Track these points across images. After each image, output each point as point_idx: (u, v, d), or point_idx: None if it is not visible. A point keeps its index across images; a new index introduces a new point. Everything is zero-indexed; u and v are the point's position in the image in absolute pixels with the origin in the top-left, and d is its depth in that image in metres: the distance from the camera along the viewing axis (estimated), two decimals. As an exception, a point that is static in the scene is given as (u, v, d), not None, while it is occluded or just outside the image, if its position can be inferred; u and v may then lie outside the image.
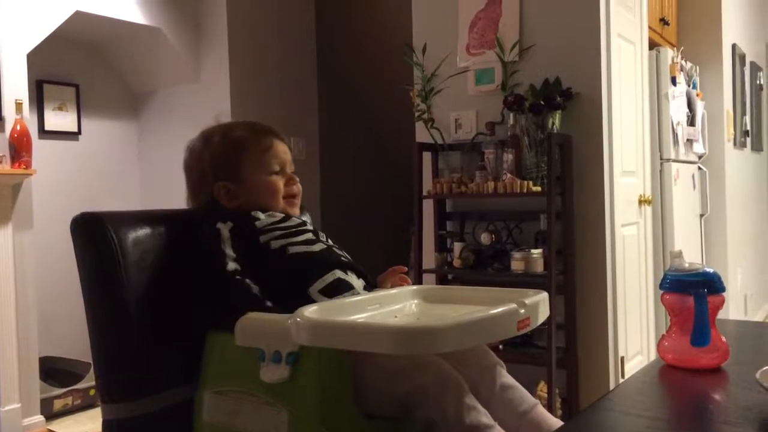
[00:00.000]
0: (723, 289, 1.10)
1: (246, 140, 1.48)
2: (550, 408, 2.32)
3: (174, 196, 4.25)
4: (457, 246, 2.66)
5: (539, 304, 1.22)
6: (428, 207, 2.82)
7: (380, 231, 4.38)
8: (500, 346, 2.49)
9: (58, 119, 3.71)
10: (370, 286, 1.46)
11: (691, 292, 1.07)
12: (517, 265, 2.47)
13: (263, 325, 1.23)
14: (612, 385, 2.55)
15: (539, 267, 2.45)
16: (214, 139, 1.49)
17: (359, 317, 1.20)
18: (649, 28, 3.21)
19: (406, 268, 1.54)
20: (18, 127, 2.95)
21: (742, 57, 4.39)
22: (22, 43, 3.05)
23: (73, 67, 3.80)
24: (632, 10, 2.92)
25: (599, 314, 2.59)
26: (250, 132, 1.49)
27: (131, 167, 4.12)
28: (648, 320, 3.01)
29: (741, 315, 4.14)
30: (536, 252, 2.46)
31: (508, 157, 2.53)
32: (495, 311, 1.11)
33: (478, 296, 1.34)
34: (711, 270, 1.11)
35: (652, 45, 3.29)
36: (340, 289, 1.36)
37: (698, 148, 3.64)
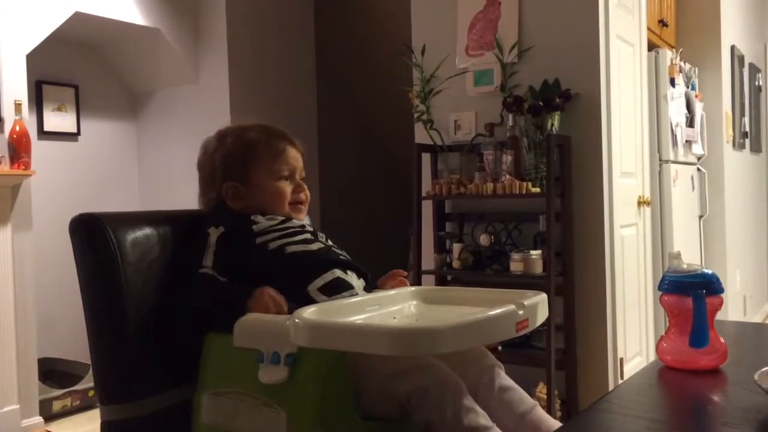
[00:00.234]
0: (721, 290, 1.10)
1: (259, 143, 1.48)
2: (549, 409, 2.32)
3: (173, 196, 4.26)
4: (456, 247, 2.66)
5: (538, 306, 1.22)
6: (427, 208, 2.82)
7: (379, 232, 4.38)
8: (499, 348, 2.48)
9: (58, 120, 3.71)
10: (370, 286, 1.46)
11: (689, 293, 1.07)
12: (516, 266, 2.48)
13: (262, 327, 1.22)
14: (611, 387, 2.55)
15: (538, 268, 2.45)
16: (227, 139, 1.49)
17: (358, 318, 1.20)
18: (648, 29, 3.21)
19: (406, 272, 1.54)
20: (17, 128, 2.94)
21: (741, 58, 4.39)
22: (22, 44, 3.04)
23: (73, 67, 3.80)
24: (631, 11, 2.92)
25: (598, 315, 2.59)
26: (264, 135, 1.50)
27: (130, 168, 4.12)
28: (647, 321, 3.01)
29: (740, 316, 4.14)
30: (535, 253, 2.46)
31: (507, 158, 2.53)
32: (494, 312, 1.11)
33: (477, 297, 1.34)
34: (709, 271, 1.12)
35: (651, 46, 3.29)
36: (339, 288, 1.36)
37: (697, 149, 3.65)
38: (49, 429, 3.09)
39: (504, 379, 1.35)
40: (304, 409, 1.16)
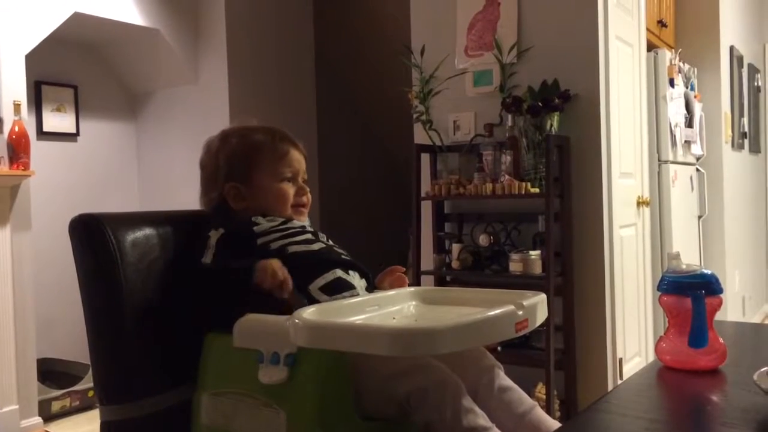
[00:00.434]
0: (720, 291, 1.10)
1: (263, 144, 1.48)
2: (548, 410, 2.32)
3: (173, 197, 4.26)
4: (456, 247, 2.66)
5: (537, 306, 1.22)
6: (427, 208, 2.82)
7: (379, 232, 4.38)
8: (498, 348, 2.48)
9: (57, 120, 3.71)
10: (371, 286, 1.46)
11: (688, 294, 1.07)
12: (515, 266, 2.48)
13: (261, 327, 1.23)
14: (610, 387, 2.55)
15: (537, 268, 2.45)
16: (231, 140, 1.50)
17: (357, 319, 1.20)
18: (647, 30, 3.21)
19: (404, 268, 1.54)
20: (16, 129, 2.94)
21: (740, 59, 4.39)
22: (21, 45, 3.04)
23: (72, 68, 3.80)
24: (630, 12, 2.93)
25: (597, 316, 2.59)
26: (268, 137, 1.50)
27: (130, 168, 4.12)
28: (646, 322, 3.01)
29: (739, 317, 4.14)
30: (534, 253, 2.46)
31: (507, 158, 2.53)
32: (493, 313, 1.11)
33: (477, 298, 1.34)
34: (708, 271, 1.12)
35: (650, 47, 3.29)
36: (340, 288, 1.36)
37: (696, 149, 3.65)
38: (48, 429, 3.09)
39: (503, 379, 1.35)
40: (303, 410, 1.16)
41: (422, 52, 2.80)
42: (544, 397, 2.38)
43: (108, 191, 3.97)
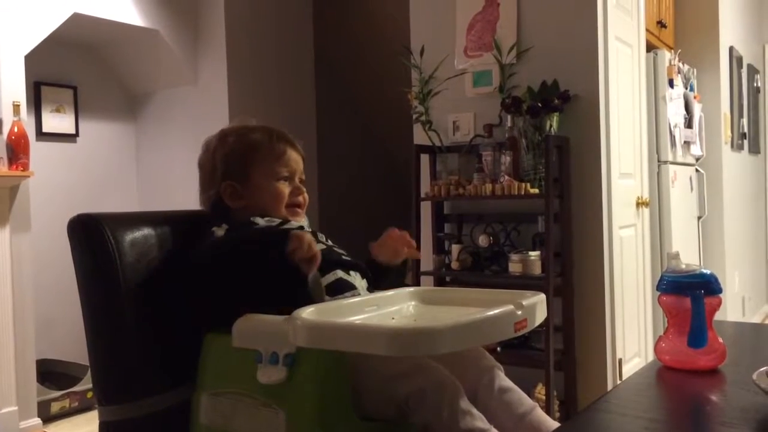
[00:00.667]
0: (720, 290, 1.10)
1: (260, 144, 1.48)
2: (547, 410, 2.32)
3: (172, 197, 4.25)
4: (455, 248, 2.66)
5: (536, 306, 1.22)
6: (426, 209, 2.81)
7: (379, 233, 4.37)
8: (498, 349, 2.48)
9: (56, 121, 3.71)
10: (372, 286, 1.46)
11: (688, 294, 1.07)
12: (514, 267, 2.47)
13: (260, 327, 1.22)
14: (610, 388, 2.54)
15: (537, 269, 2.45)
16: (229, 139, 1.50)
17: (356, 319, 1.20)
18: (647, 30, 3.21)
19: (402, 230, 1.48)
20: (15, 129, 2.94)
21: (740, 59, 4.40)
22: (20, 45, 3.04)
23: (71, 69, 3.80)
24: (630, 12, 2.93)
25: (597, 316, 2.59)
26: (265, 136, 1.50)
27: (129, 169, 4.12)
28: (646, 322, 3.01)
29: (739, 317, 4.14)
30: (534, 254, 2.46)
31: (506, 159, 2.53)
32: (492, 313, 1.11)
33: (476, 298, 1.34)
34: (708, 271, 1.12)
35: (650, 47, 3.29)
36: (341, 288, 1.36)
37: (696, 150, 3.65)
38: (47, 430, 3.08)
39: (503, 380, 1.35)
40: (302, 410, 1.16)
41: (422, 53, 2.80)
42: (544, 397, 2.38)
43: (107, 192, 3.96)
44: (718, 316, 1.12)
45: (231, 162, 1.46)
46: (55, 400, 3.20)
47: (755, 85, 4.89)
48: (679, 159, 3.41)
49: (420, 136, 2.85)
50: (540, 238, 2.55)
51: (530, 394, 2.10)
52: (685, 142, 3.45)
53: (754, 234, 4.84)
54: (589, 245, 2.59)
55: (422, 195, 2.76)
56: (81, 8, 3.26)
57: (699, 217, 3.79)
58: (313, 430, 1.15)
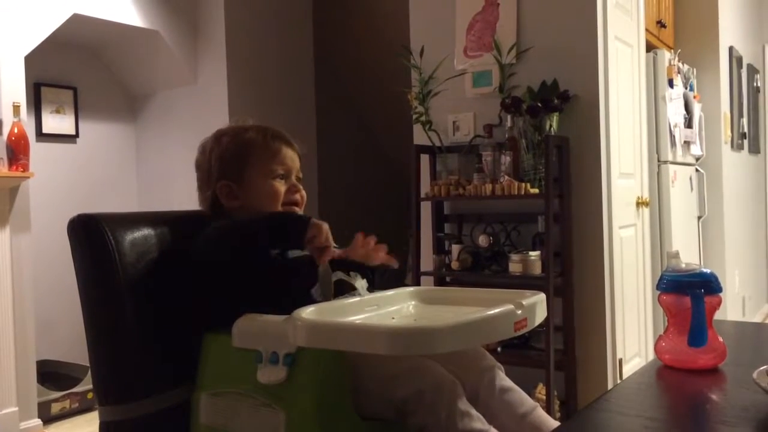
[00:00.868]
0: (720, 290, 1.10)
1: (254, 143, 1.48)
2: (548, 410, 2.32)
3: (171, 198, 4.25)
4: (455, 248, 2.66)
5: (536, 305, 1.22)
6: (426, 209, 2.81)
7: (378, 233, 4.37)
8: (498, 349, 2.48)
9: (56, 122, 3.71)
10: (373, 286, 1.46)
11: (688, 293, 1.07)
12: (514, 267, 2.47)
13: (260, 327, 1.22)
14: (610, 387, 2.54)
15: (537, 269, 2.45)
16: (224, 139, 1.50)
17: (356, 318, 1.20)
18: (647, 30, 3.22)
19: (369, 236, 1.43)
20: (15, 130, 2.94)
21: (739, 59, 4.40)
22: (20, 46, 3.04)
23: (71, 69, 3.80)
24: (629, 12, 2.93)
25: (597, 316, 2.59)
26: (260, 135, 1.49)
27: (129, 170, 4.12)
28: (646, 322, 3.01)
29: (739, 317, 4.14)
30: (534, 254, 2.46)
31: (506, 159, 2.53)
32: (492, 312, 1.11)
33: (476, 297, 1.34)
34: (708, 270, 1.12)
35: (650, 47, 3.30)
36: (342, 289, 1.36)
37: (695, 150, 3.65)
38: (47, 431, 3.08)
39: (504, 380, 1.35)
40: (302, 409, 1.15)
41: (421, 53, 2.80)
42: (544, 397, 2.38)
43: (107, 193, 3.97)
44: (718, 315, 1.12)
45: (226, 162, 1.46)
46: (56, 400, 3.20)
47: (755, 85, 4.89)
48: (679, 159, 3.41)
49: (420, 137, 2.85)
50: (540, 238, 2.55)
51: (531, 394, 2.10)
52: (685, 141, 3.46)
53: (754, 234, 4.84)
54: (589, 245, 2.59)
55: (422, 195, 2.76)
56: (81, 9, 3.27)
57: (699, 217, 3.79)
58: (313, 430, 1.15)
